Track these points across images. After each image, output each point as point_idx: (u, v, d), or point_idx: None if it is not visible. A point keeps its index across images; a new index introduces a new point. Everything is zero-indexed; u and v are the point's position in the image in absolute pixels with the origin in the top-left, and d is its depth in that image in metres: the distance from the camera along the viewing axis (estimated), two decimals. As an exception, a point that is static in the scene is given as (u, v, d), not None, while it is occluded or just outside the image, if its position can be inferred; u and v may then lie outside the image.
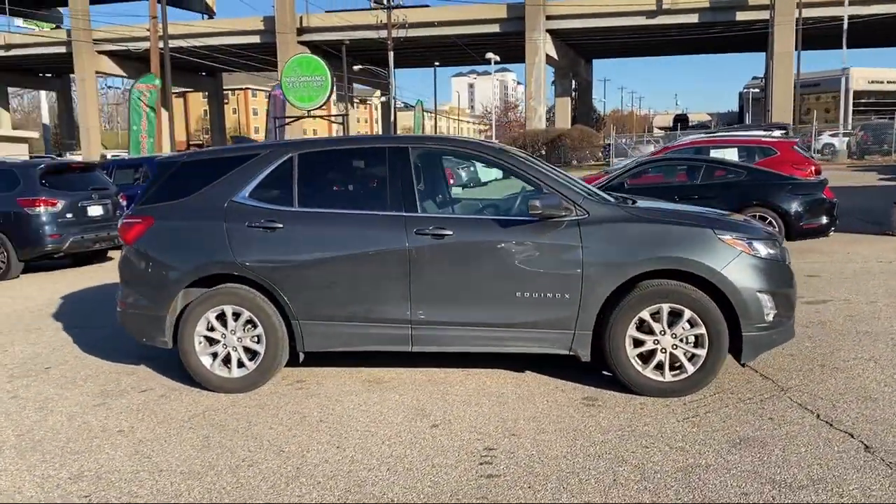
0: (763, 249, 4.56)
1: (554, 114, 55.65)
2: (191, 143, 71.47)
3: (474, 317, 4.68)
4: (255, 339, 4.88)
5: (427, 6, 48.61)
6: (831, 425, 3.99)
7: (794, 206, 9.48)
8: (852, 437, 3.83)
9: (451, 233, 4.66)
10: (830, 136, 38.58)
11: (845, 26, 36.98)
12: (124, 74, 51.39)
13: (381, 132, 68.26)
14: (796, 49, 38.60)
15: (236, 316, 4.88)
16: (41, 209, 10.29)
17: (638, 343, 4.52)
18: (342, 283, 4.78)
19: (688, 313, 4.43)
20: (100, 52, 49.52)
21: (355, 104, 78.88)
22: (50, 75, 61.43)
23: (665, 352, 4.49)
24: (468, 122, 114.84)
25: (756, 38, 42.95)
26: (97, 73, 50.63)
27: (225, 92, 72.28)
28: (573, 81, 56.05)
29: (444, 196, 5.92)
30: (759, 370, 4.94)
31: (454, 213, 5.68)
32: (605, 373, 4.81)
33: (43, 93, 68.46)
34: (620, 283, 4.49)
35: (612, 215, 4.61)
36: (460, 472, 3.62)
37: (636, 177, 10.67)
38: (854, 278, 8.00)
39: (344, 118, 29.68)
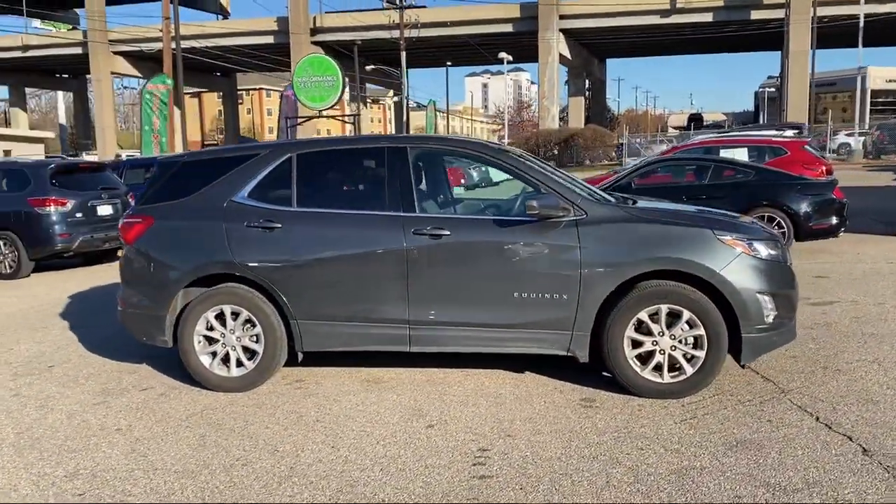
0: (763, 250, 4.51)
1: (567, 113, 55.57)
2: (205, 142, 72.00)
3: (472, 317, 4.67)
4: (254, 338, 4.90)
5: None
6: (830, 428, 3.94)
7: (804, 207, 9.37)
8: (851, 440, 3.78)
9: (448, 233, 4.64)
10: (846, 135, 38.10)
11: (861, 24, 36.61)
12: (139, 75, 51.81)
13: (394, 132, 68.38)
14: (812, 48, 38.22)
15: (235, 315, 4.89)
16: (51, 209, 10.40)
17: (636, 344, 4.49)
18: (340, 282, 4.78)
19: (686, 314, 4.40)
20: (115, 53, 50.09)
21: (368, 104, 79.03)
22: (67, 76, 62.18)
23: (664, 353, 4.45)
24: (481, 121, 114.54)
25: (771, 37, 42.65)
26: (113, 73, 51.21)
27: (239, 92, 72.84)
28: (587, 81, 55.89)
29: (444, 196, 5.89)
30: (760, 372, 4.89)
31: (455, 214, 5.66)
32: (604, 374, 4.78)
33: (60, 93, 69.30)
34: (619, 284, 4.46)
35: (610, 216, 4.58)
36: (453, 472, 3.62)
37: (644, 177, 10.60)
38: (863, 279, 7.90)
39: (356, 118, 29.77)
